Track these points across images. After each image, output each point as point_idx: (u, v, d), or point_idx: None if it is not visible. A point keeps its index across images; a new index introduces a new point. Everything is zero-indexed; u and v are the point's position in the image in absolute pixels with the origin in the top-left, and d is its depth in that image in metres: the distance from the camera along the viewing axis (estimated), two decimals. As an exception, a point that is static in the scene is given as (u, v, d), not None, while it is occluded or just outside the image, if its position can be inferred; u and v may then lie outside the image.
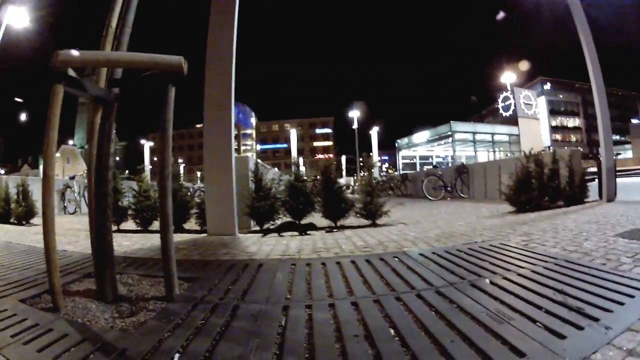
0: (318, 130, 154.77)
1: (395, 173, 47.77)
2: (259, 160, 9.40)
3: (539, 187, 10.02)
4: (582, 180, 10.97)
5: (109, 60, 3.42)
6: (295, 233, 7.38)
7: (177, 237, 6.78)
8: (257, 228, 8.21)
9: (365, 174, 10.02)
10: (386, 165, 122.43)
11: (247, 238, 6.89)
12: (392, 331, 2.44)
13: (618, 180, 10.89)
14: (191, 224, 8.71)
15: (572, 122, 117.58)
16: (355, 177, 49.58)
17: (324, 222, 8.41)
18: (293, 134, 77.74)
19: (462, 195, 18.62)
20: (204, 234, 7.57)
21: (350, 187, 32.05)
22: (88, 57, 3.17)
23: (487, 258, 4.41)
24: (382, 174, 64.72)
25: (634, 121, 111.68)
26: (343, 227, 8.07)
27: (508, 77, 72.68)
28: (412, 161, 72.86)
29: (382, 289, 3.35)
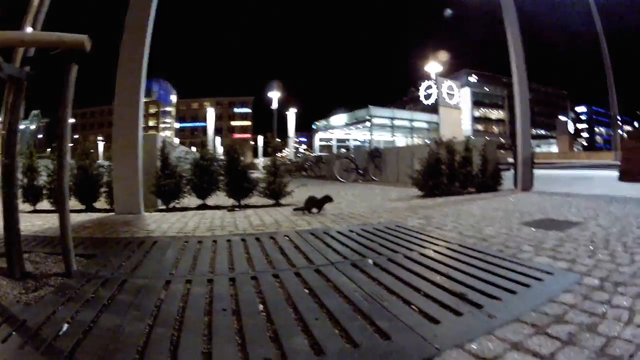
0: (237, 110, 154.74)
1: (311, 155, 48.16)
2: (166, 138, 9.29)
3: (449, 173, 10.37)
4: (496, 168, 11.29)
5: (14, 39, 3.33)
6: (200, 211, 7.41)
7: (86, 216, 6.96)
8: (165, 207, 8.22)
9: (279, 154, 9.93)
10: (304, 146, 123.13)
11: (151, 216, 6.97)
12: (261, 307, 2.52)
13: (541, 171, 11.17)
14: (102, 202, 8.56)
15: (495, 114, 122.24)
16: (275, 157, 49.68)
17: (229, 202, 8.46)
18: (210, 113, 77.10)
19: (374, 178, 18.77)
20: (112, 213, 7.52)
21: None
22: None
23: (377, 239, 4.47)
24: (299, 155, 64.96)
25: (560, 118, 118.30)
26: (247, 207, 8.15)
27: (433, 66, 73.92)
28: (329, 143, 73.27)
29: (263, 266, 3.46)
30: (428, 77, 77.22)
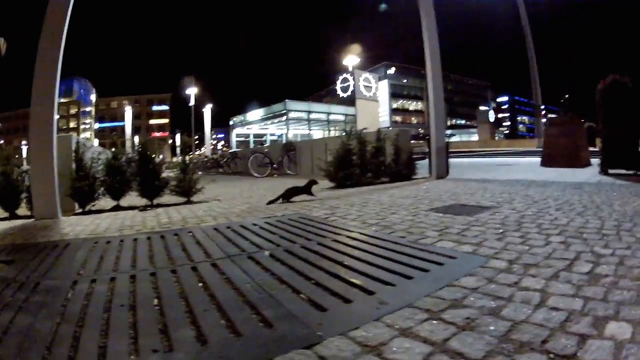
0: (155, 107, 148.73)
1: (228, 151, 48.23)
2: (80, 139, 8.92)
3: (361, 163, 10.37)
4: (409, 157, 11.54)
5: None
6: (114, 213, 7.30)
7: (9, 224, 6.73)
8: (82, 210, 7.91)
9: (197, 151, 9.91)
10: (222, 143, 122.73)
11: (67, 220, 6.79)
12: (156, 301, 2.56)
13: (461, 160, 11.28)
14: (24, 209, 8.08)
15: (414, 105, 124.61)
16: (193, 155, 50.00)
17: (143, 202, 8.28)
18: (128, 111, 75.82)
19: (289, 172, 18.81)
20: (33, 219, 7.26)
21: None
22: None
23: (278, 231, 4.50)
24: (218, 151, 64.80)
25: (481, 108, 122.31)
26: (159, 205, 7.99)
27: (351, 59, 74.59)
28: (246, 139, 73.30)
29: (164, 262, 3.50)
30: (347, 70, 78.03)
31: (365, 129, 11.75)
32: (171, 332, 2.05)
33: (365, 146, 10.67)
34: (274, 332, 1.98)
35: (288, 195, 7.60)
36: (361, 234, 4.05)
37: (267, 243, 3.91)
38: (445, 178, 10.67)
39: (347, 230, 4.29)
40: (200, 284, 2.82)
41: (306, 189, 7.76)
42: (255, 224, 4.98)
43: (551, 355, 1.61)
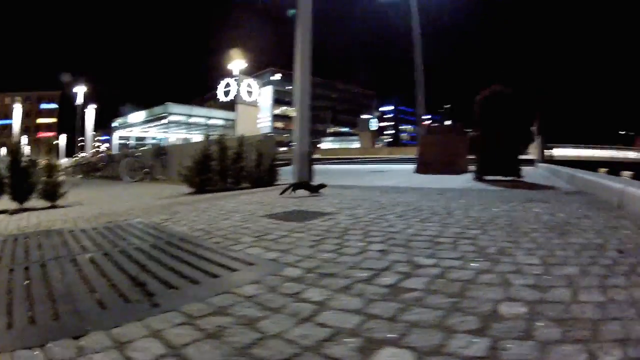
0: (44, 106, 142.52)
1: (104, 155, 47.46)
2: None
3: (221, 169, 10.45)
4: (272, 164, 11.70)
5: None
6: None
7: None
8: None
9: (82, 154, 9.67)
10: (107, 145, 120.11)
11: None
12: None
13: (338, 166, 11.41)
14: None
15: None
16: (77, 157, 49.82)
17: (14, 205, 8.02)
18: (17, 109, 72.82)
19: (160, 177, 18.57)
20: None
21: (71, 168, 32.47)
22: None
23: (111, 236, 4.36)
24: (101, 154, 63.94)
25: (364, 116, 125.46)
26: (27, 210, 7.69)
27: (237, 64, 74.71)
28: (128, 142, 72.12)
29: None
30: (231, 75, 78.16)
31: (225, 135, 11.80)
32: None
33: (226, 152, 10.66)
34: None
35: (295, 187, 8.19)
36: (179, 239, 4.00)
37: (95, 247, 3.79)
38: (307, 185, 10.71)
39: (170, 234, 4.27)
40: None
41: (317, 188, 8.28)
42: (94, 228, 4.90)
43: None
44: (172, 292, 2.44)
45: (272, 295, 2.33)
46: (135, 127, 73.15)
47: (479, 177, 11.30)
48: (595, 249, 3.26)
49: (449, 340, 1.74)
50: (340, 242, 3.62)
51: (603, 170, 62.67)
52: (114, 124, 78.70)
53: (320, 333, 1.84)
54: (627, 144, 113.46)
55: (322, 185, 8.29)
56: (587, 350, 1.63)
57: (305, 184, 8.63)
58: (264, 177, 11.15)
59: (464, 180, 10.85)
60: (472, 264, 2.87)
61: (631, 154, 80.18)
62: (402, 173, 15.93)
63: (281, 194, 7.98)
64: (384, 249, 3.36)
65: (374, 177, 14.00)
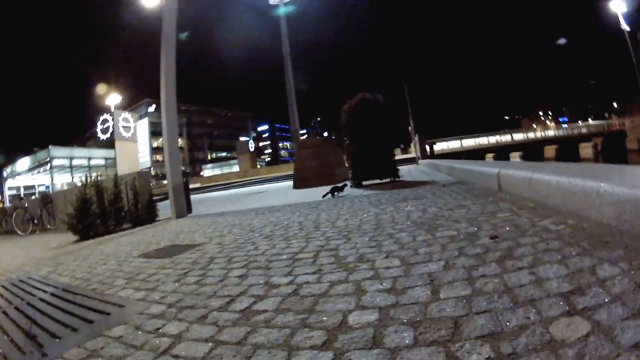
0: None
1: None
2: None
3: (101, 212, 10.29)
4: (149, 200, 11.65)
5: None
6: None
7: None
8: None
9: None
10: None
11: None
12: None
13: (218, 193, 11.44)
14: None
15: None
16: None
17: None
18: None
19: (49, 226, 17.83)
20: None
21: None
22: None
23: (6, 294, 4.46)
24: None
25: (241, 139, 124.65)
26: None
27: (113, 98, 72.83)
28: (18, 192, 68.87)
29: None
30: (108, 111, 75.97)
31: (100, 175, 11.66)
32: None
33: (103, 194, 10.55)
34: None
35: (333, 191, 9.76)
36: (64, 290, 4.11)
37: None
38: (186, 216, 10.89)
39: (52, 286, 4.36)
40: None
41: (342, 187, 9.98)
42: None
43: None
44: (57, 342, 2.64)
45: (137, 333, 2.55)
46: (23, 174, 70.07)
47: (356, 184, 11.75)
48: (466, 239, 3.43)
49: (293, 358, 1.88)
50: (204, 273, 3.79)
51: (490, 155, 65.31)
52: (5, 174, 74.95)
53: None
54: (513, 127, 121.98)
55: None
56: (445, 351, 1.70)
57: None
58: (143, 215, 11.09)
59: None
60: (327, 277, 3.00)
61: (517, 136, 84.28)
62: (281, 191, 16.06)
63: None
64: (242, 274, 3.52)
65: (252, 199, 14.12)
